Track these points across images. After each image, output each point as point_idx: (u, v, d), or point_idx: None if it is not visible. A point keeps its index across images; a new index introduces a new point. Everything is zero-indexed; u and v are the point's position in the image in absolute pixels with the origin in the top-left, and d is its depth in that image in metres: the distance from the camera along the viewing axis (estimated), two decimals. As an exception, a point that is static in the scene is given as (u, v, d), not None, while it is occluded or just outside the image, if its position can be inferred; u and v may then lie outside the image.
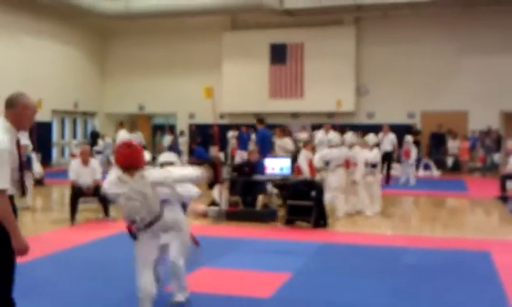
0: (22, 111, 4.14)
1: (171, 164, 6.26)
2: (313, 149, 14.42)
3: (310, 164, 12.98)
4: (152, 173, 5.27)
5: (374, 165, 12.50)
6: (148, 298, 5.23)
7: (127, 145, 5.28)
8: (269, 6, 23.02)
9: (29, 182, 12.54)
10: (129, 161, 5.11)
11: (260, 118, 15.04)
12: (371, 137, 13.04)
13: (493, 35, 22.83)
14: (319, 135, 19.07)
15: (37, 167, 14.47)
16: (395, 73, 23.98)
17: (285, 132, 17.11)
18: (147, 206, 5.14)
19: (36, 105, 4.31)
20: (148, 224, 5.20)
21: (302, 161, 13.03)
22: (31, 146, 13.21)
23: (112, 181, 5.19)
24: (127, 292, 6.15)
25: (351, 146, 12.51)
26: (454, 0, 21.97)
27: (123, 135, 18.48)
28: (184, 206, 6.21)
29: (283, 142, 16.29)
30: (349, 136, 13.30)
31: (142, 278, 5.20)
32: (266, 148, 13.97)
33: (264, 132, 14.55)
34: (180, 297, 5.98)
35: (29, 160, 12.89)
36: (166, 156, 6.56)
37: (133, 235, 5.21)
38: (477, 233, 10.68)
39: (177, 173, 5.38)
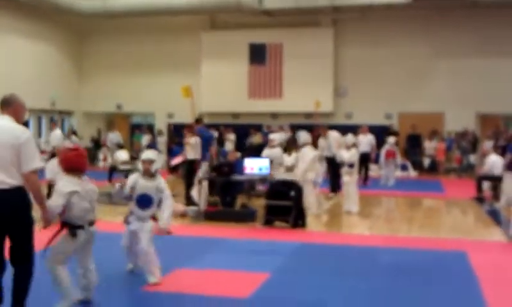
0: (18, 109, 5.19)
1: (151, 161, 6.72)
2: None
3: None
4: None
5: (351, 165, 12.61)
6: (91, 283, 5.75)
7: (72, 149, 5.88)
8: (248, 6, 23.03)
9: None
10: (73, 163, 5.60)
11: (198, 117, 15.09)
12: (349, 138, 13.16)
13: (468, 38, 23.11)
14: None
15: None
16: (372, 75, 24.15)
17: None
18: (93, 207, 5.67)
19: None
20: (91, 222, 5.66)
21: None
22: None
23: (64, 184, 5.56)
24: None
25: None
26: (429, 3, 22.18)
27: (57, 134, 17.84)
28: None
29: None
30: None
31: (61, 271, 5.55)
32: (204, 148, 13.88)
33: (203, 131, 14.46)
34: (153, 279, 6.58)
35: None
36: (147, 154, 6.92)
37: (73, 232, 5.56)
38: (454, 233, 10.81)
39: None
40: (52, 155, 14.96)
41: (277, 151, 13.55)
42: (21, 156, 4.86)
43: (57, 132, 17.70)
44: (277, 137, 15.53)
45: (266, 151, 13.64)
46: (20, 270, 5.07)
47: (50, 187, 10.89)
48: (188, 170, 13.11)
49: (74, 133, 24.81)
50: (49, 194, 10.77)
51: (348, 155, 12.64)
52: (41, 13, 23.76)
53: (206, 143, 13.60)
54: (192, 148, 12.86)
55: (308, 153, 12.33)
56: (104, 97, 27.15)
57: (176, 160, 13.57)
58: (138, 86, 26.59)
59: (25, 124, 23.32)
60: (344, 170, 12.77)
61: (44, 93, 24.73)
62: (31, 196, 5.01)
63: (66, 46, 26.84)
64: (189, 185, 12.76)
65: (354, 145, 13.28)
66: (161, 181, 6.78)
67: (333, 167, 15.05)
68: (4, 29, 22.46)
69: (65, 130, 26.50)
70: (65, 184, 5.53)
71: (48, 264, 5.55)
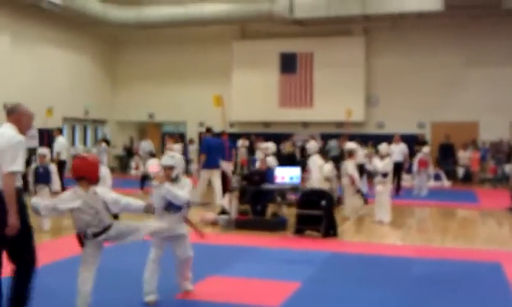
0: (20, 117, 5.30)
1: (171, 168, 6.40)
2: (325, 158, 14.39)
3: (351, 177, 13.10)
4: (104, 193, 5.61)
5: (384, 175, 12.49)
6: (83, 298, 5.51)
7: (82, 157, 5.86)
8: (279, 16, 23.09)
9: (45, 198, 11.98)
10: (80, 172, 5.51)
11: (207, 127, 15.20)
12: (383, 147, 13.05)
13: (501, 46, 22.82)
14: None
15: (56, 182, 12.82)
16: (404, 83, 23.96)
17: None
18: (97, 220, 5.47)
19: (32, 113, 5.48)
20: (95, 234, 5.50)
21: (353, 171, 13.03)
22: (48, 155, 11.93)
23: (66, 197, 5.53)
24: (131, 302, 6.16)
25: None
26: (461, 11, 21.95)
27: (60, 141, 17.84)
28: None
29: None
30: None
31: (80, 279, 5.53)
32: (213, 156, 14.11)
33: (209, 140, 14.56)
34: (190, 286, 6.67)
35: (47, 172, 11.34)
36: (165, 159, 6.54)
37: (81, 242, 5.56)
38: (488, 244, 10.61)
39: (125, 200, 5.66)
40: (58, 162, 15.13)
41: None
42: (4, 157, 4.95)
43: (60, 140, 17.72)
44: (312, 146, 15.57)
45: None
46: (15, 277, 5.08)
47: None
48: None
49: (106, 141, 25.11)
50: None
51: (381, 165, 12.53)
52: (74, 23, 24.17)
53: (213, 151, 13.69)
54: None
55: (316, 161, 12.47)
56: (137, 106, 27.46)
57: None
58: (170, 95, 26.83)
59: (60, 132, 23.76)
60: (377, 179, 12.65)
61: (78, 102, 25.13)
62: (5, 197, 4.96)
63: (100, 56, 27.23)
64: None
65: (388, 154, 13.17)
66: (185, 183, 6.51)
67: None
68: (39, 39, 22.90)
69: (98, 138, 26.87)
70: (66, 199, 5.52)
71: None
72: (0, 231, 4.89)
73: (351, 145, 13.58)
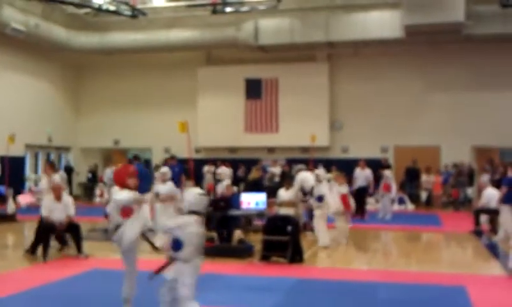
0: None
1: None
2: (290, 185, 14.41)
3: (344, 199, 13.12)
4: None
5: (319, 199, 12.69)
6: None
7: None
8: (244, 42, 23.27)
9: None
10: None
11: (172, 155, 15.39)
12: (320, 172, 13.39)
13: (461, 71, 23.37)
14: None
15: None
16: (368, 108, 24.30)
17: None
18: None
19: None
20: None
21: (334, 195, 13.08)
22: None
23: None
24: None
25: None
26: (421, 37, 22.41)
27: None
28: None
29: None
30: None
31: None
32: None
33: (172, 167, 14.68)
34: None
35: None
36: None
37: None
38: (452, 267, 10.75)
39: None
40: None
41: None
42: None
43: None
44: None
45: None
46: None
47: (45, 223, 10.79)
48: None
49: (69, 168, 24.80)
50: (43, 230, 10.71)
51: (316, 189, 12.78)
52: (37, 49, 23.92)
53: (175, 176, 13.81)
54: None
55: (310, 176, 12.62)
56: (101, 133, 27.20)
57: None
58: (135, 121, 26.67)
59: (22, 160, 23.37)
60: (314, 204, 12.81)
61: (41, 128, 24.78)
62: None
63: (63, 82, 26.97)
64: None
65: (320, 181, 13.32)
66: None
67: None
68: (1, 65, 22.59)
69: (62, 166, 26.49)
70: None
71: None
72: None
73: (319, 171, 13.78)
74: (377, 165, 21.04)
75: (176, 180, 14.14)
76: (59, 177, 9.99)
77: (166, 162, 25.67)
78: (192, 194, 5.78)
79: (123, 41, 24.56)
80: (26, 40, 22.20)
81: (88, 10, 23.74)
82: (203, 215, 5.78)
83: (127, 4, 21.18)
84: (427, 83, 23.80)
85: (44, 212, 10.88)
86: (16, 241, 14.21)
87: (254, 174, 17.30)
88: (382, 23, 21.90)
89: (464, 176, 22.21)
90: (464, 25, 20.62)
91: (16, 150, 21.17)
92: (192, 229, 5.58)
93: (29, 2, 20.83)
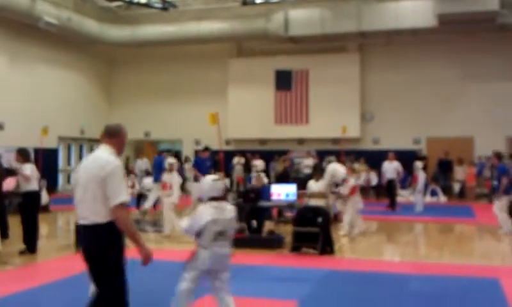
0: (123, 139, 4.87)
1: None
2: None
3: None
4: None
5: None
6: None
7: None
8: (274, 34, 23.20)
9: None
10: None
11: (206, 146, 15.39)
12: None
13: (495, 62, 22.94)
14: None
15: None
16: (399, 99, 24.03)
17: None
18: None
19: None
20: None
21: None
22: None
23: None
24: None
25: None
26: (455, 27, 22.04)
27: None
28: None
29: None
30: None
31: None
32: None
33: (204, 160, 14.76)
34: None
35: None
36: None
37: None
38: (485, 259, 10.58)
39: None
40: None
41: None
42: (106, 190, 4.44)
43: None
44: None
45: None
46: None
47: None
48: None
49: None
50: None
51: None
52: (70, 42, 24.23)
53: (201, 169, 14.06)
54: (25, 178, 10.32)
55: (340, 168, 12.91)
56: (133, 125, 27.27)
57: (8, 186, 13.02)
58: (166, 113, 26.84)
59: (55, 152, 23.72)
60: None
61: (74, 121, 25.11)
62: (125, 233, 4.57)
63: (96, 75, 27.26)
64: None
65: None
66: None
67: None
68: (35, 59, 22.92)
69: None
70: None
71: None
72: (92, 267, 4.55)
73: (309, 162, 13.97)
74: (409, 157, 20.91)
75: (207, 173, 14.18)
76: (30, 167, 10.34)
77: (196, 154, 25.94)
78: (207, 182, 5.80)
79: (154, 34, 24.74)
80: (59, 33, 22.50)
81: (119, 3, 23.98)
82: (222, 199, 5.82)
83: (157, -4, 21.33)
84: (460, 73, 23.41)
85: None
86: (50, 232, 14.45)
87: (280, 165, 17.25)
88: (414, 12, 21.61)
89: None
90: (499, 13, 20.24)
91: (49, 142, 21.49)
92: (207, 216, 5.58)
93: (61, -5, 21.09)
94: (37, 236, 10.62)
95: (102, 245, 4.50)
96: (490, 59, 23.00)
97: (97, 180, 4.47)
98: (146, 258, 4.58)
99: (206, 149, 15.02)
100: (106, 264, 4.50)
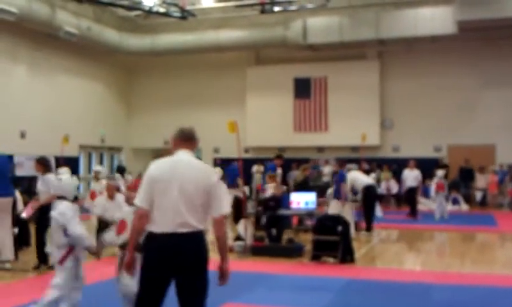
0: (197, 144, 4.74)
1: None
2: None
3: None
4: None
5: None
6: None
7: None
8: (293, 41, 23.21)
9: None
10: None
11: (278, 154, 15.52)
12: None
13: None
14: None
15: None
16: (419, 107, 23.87)
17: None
18: None
19: None
20: None
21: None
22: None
23: None
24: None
25: None
26: (474, 33, 21.87)
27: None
28: None
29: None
30: None
31: None
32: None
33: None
34: None
35: None
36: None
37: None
38: (508, 268, 10.43)
39: None
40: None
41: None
42: (212, 199, 4.40)
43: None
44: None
45: None
46: None
47: (100, 222, 11.00)
48: None
49: (121, 169, 25.21)
50: (99, 230, 10.90)
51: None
52: (90, 52, 24.44)
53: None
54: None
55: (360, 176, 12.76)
56: (152, 133, 27.56)
57: (28, 212, 11.83)
58: (185, 121, 26.46)
59: (76, 160, 23.91)
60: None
61: (94, 130, 25.28)
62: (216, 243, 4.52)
63: (115, 83, 27.46)
64: None
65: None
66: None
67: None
68: (55, 68, 23.15)
69: (114, 166, 26.98)
70: None
71: None
72: (188, 278, 4.38)
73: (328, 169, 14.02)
74: (430, 165, 20.79)
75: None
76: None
77: (215, 162, 26.00)
78: None
79: (173, 43, 24.88)
80: (79, 43, 22.72)
81: (138, 12, 24.13)
82: None
83: (176, 5, 21.44)
84: (481, 80, 23.18)
85: (97, 211, 11.08)
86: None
87: (300, 174, 17.22)
88: (434, 19, 21.46)
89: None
90: (520, 20, 20.03)
91: (70, 151, 21.66)
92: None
93: (80, 5, 21.29)
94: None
95: (206, 253, 4.43)
96: (510, 66, 22.75)
97: (206, 189, 4.39)
98: (227, 275, 4.52)
99: (279, 156, 15.31)
100: (207, 273, 4.43)
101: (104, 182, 12.52)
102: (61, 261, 5.95)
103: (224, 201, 4.49)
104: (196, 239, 4.37)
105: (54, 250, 6.11)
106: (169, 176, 4.40)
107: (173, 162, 4.54)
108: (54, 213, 6.06)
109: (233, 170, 15.33)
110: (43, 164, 9.82)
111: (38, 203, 9.81)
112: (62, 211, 6.07)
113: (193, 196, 4.37)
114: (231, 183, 14.43)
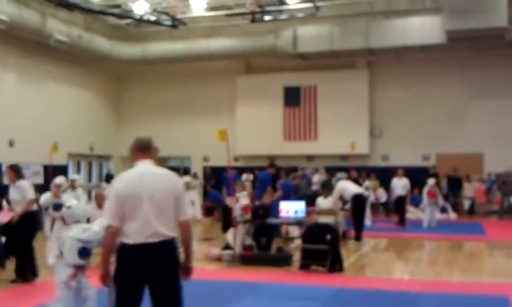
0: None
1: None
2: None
3: None
4: None
5: None
6: None
7: None
8: (283, 50, 23.29)
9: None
10: None
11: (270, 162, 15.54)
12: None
13: (504, 78, 22.87)
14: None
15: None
16: (408, 116, 23.98)
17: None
18: None
19: None
20: None
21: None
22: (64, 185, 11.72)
23: None
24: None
25: None
26: (464, 43, 22.02)
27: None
28: None
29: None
30: None
31: None
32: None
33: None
34: None
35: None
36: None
37: None
38: (496, 277, 10.48)
39: None
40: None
41: None
42: (179, 204, 4.59)
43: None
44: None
45: None
46: None
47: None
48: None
49: (110, 177, 25.15)
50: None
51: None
52: (80, 60, 24.38)
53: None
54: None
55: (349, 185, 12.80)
56: (141, 141, 27.48)
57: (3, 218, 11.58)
58: (175, 130, 26.91)
59: (65, 168, 23.82)
60: None
61: (83, 138, 25.19)
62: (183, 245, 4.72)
63: (105, 92, 27.40)
64: None
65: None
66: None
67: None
68: (45, 76, 23.07)
69: (103, 174, 26.90)
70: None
71: None
72: (163, 286, 4.51)
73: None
74: (419, 174, 20.90)
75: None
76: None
77: (205, 170, 25.98)
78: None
79: (163, 51, 24.90)
80: (69, 51, 22.66)
81: (129, 21, 24.15)
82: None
83: (167, 14, 21.47)
84: (469, 89, 23.35)
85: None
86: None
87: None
88: (423, 29, 21.62)
89: (509, 184, 21.70)
90: (507, 30, 20.19)
91: (59, 159, 21.57)
92: None
93: (71, 13, 21.27)
94: (34, 264, 9.44)
95: (178, 259, 4.58)
96: (499, 75, 22.93)
97: (175, 195, 4.56)
98: (191, 271, 4.68)
99: (272, 165, 15.38)
100: (179, 278, 4.58)
101: (80, 190, 12.22)
102: (69, 280, 5.90)
103: (187, 205, 4.75)
104: (167, 247, 4.50)
105: (60, 267, 6.08)
106: (137, 189, 4.50)
107: (137, 174, 4.64)
108: (76, 234, 6.03)
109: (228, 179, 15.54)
110: (16, 171, 9.38)
111: (14, 213, 9.36)
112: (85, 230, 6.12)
113: (163, 204, 4.51)
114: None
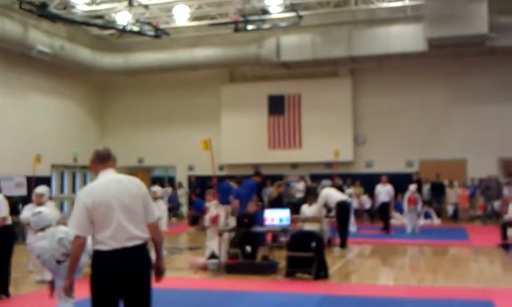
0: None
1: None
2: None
3: None
4: None
5: None
6: None
7: None
8: (267, 59, 23.39)
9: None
10: None
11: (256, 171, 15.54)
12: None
13: (485, 84, 23.11)
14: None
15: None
16: (392, 123, 24.15)
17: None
18: None
19: None
20: None
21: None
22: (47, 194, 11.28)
23: None
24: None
25: None
26: (445, 50, 22.29)
27: None
28: None
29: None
30: None
31: None
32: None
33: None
34: None
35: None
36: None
37: None
38: (480, 281, 10.57)
39: None
40: None
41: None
42: (147, 207, 4.73)
43: None
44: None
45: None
46: None
47: None
48: None
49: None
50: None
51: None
52: (63, 71, 24.29)
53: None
54: None
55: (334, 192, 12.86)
56: (126, 151, 27.31)
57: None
58: (159, 139, 26.87)
59: (49, 180, 23.67)
60: None
61: (67, 149, 25.04)
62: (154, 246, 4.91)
63: (88, 102, 27.30)
64: None
65: None
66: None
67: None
68: (28, 86, 22.96)
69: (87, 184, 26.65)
70: None
71: None
72: (135, 289, 4.57)
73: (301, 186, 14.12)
74: (403, 180, 21.03)
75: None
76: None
77: (189, 180, 25.98)
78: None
79: (147, 61, 24.88)
80: (52, 62, 22.57)
81: (112, 31, 24.12)
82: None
83: (150, 24, 21.47)
84: (451, 96, 23.60)
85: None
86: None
87: (275, 191, 17.33)
88: (404, 37, 21.84)
89: (492, 190, 21.91)
90: (488, 37, 20.45)
91: (42, 170, 21.43)
92: None
93: (54, 24, 21.20)
94: (8, 281, 9.22)
95: (150, 261, 4.71)
96: (480, 82, 23.19)
97: (142, 198, 4.70)
98: (163, 272, 4.83)
99: (257, 173, 15.37)
100: (151, 280, 4.69)
101: (49, 204, 11.96)
102: (66, 291, 5.94)
103: (153, 207, 4.84)
104: (142, 250, 4.60)
105: (59, 281, 6.31)
106: (106, 198, 4.56)
107: (103, 183, 4.72)
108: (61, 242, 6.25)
109: (227, 188, 15.58)
110: None
111: None
112: (64, 232, 6.29)
113: (133, 208, 4.61)
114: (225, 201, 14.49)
